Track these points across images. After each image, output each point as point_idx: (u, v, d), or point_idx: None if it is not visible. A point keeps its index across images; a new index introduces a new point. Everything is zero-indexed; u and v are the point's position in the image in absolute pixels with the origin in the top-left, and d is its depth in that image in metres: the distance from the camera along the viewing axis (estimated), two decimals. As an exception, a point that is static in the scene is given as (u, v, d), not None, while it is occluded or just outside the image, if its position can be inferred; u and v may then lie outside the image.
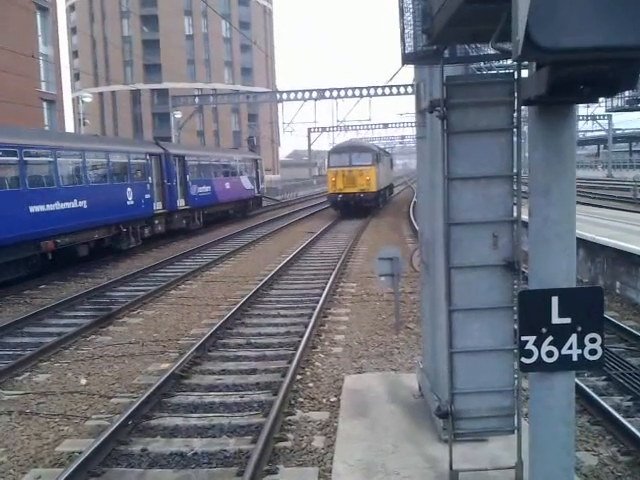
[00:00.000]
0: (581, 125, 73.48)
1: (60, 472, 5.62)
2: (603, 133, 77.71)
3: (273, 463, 5.95)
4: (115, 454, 6.23)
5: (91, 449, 5.94)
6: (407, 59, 4.92)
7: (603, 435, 6.37)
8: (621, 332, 9.67)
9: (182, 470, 5.93)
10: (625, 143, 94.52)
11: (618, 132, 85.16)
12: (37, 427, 7.02)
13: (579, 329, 3.40)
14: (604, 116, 69.96)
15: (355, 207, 32.75)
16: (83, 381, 8.55)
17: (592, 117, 71.05)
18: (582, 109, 61.89)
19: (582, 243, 13.60)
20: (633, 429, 6.10)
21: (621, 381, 7.71)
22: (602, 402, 6.83)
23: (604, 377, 7.94)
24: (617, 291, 12.44)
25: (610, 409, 6.63)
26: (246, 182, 36.22)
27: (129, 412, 6.89)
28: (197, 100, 48.52)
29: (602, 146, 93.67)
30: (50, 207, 16.42)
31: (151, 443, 6.49)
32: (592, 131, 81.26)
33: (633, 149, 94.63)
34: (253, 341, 10.14)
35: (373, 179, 33.17)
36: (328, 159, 35.25)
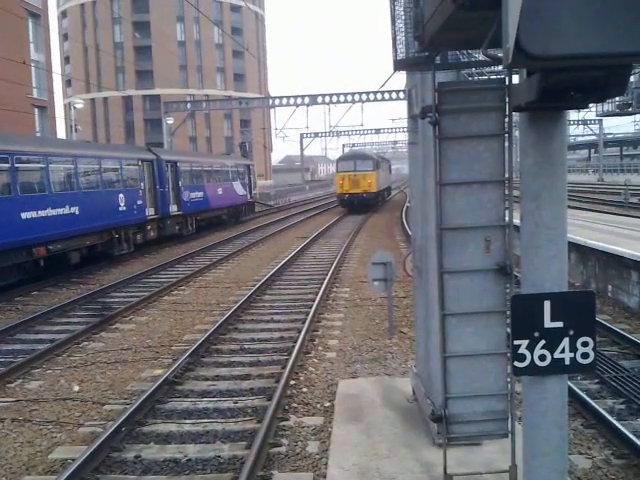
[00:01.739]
0: (572, 129, 73.95)
1: (53, 479, 5.60)
2: (594, 137, 78.19)
3: (267, 469, 5.94)
4: (109, 461, 6.21)
5: (84, 456, 5.92)
6: (399, 65, 4.95)
7: (596, 438, 6.40)
8: (613, 335, 9.72)
9: (176, 476, 5.91)
10: (616, 147, 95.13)
11: (609, 136, 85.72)
12: (30, 434, 6.99)
13: (571, 333, 3.42)
14: (595, 121, 70.42)
15: (358, 204, 39.05)
16: (76, 388, 8.52)
17: (583, 122, 71.54)
18: (573, 114, 62.38)
19: (574, 247, 13.68)
20: (626, 432, 6.14)
21: (614, 384, 7.75)
22: (595, 405, 6.87)
23: (597, 380, 7.98)
24: (609, 294, 12.51)
25: (603, 412, 6.67)
26: (239, 187, 36.22)
27: (122, 419, 6.87)
28: (189, 106, 48.53)
29: (593, 150, 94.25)
30: (42, 213, 16.37)
31: (145, 449, 6.47)
32: (583, 135, 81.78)
33: (624, 153, 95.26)
34: (247, 347, 10.13)
35: (373, 182, 39.89)
36: (336, 165, 42.82)
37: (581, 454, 6.05)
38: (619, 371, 8.18)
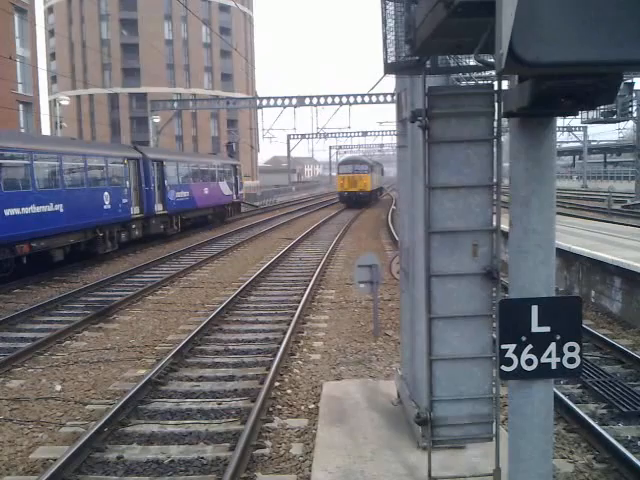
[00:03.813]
0: (557, 136, 74.24)
1: (34, 479, 5.55)
2: (579, 144, 78.80)
3: (251, 470, 5.92)
4: (90, 461, 6.16)
5: (66, 456, 5.86)
6: (389, 69, 4.96)
7: (579, 442, 6.45)
8: (596, 340, 9.81)
9: (158, 478, 5.87)
10: (600, 154, 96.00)
11: (593, 144, 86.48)
12: (11, 434, 6.91)
13: (558, 338, 3.44)
14: (580, 127, 70.98)
15: (356, 201, 47.31)
16: (58, 387, 8.44)
17: (568, 128, 72.05)
18: (558, 120, 62.56)
19: (558, 252, 13.74)
20: (608, 436, 6.19)
21: (596, 389, 7.82)
22: (578, 410, 6.92)
23: (579, 385, 8.05)
24: (592, 300, 12.61)
25: (586, 417, 6.72)
26: (225, 188, 36.10)
27: (105, 419, 6.81)
28: (176, 105, 48.25)
29: (577, 157, 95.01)
30: (25, 210, 16.19)
31: (127, 450, 6.42)
32: (568, 142, 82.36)
33: (607, 160, 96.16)
34: (231, 347, 10.10)
35: (368, 182, 48.40)
36: (338, 168, 53.89)
37: (563, 458, 6.09)
38: (601, 376, 8.25)
